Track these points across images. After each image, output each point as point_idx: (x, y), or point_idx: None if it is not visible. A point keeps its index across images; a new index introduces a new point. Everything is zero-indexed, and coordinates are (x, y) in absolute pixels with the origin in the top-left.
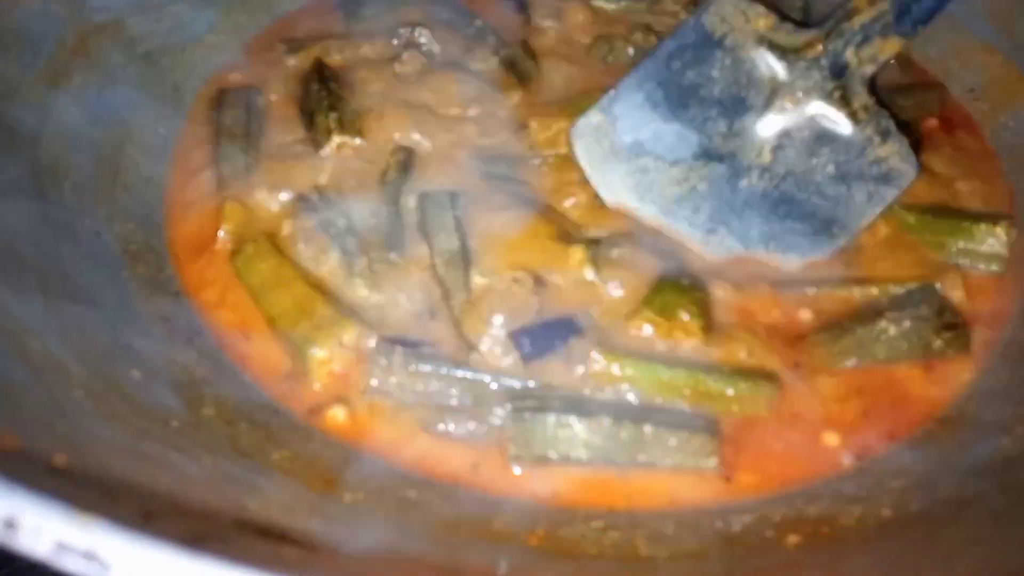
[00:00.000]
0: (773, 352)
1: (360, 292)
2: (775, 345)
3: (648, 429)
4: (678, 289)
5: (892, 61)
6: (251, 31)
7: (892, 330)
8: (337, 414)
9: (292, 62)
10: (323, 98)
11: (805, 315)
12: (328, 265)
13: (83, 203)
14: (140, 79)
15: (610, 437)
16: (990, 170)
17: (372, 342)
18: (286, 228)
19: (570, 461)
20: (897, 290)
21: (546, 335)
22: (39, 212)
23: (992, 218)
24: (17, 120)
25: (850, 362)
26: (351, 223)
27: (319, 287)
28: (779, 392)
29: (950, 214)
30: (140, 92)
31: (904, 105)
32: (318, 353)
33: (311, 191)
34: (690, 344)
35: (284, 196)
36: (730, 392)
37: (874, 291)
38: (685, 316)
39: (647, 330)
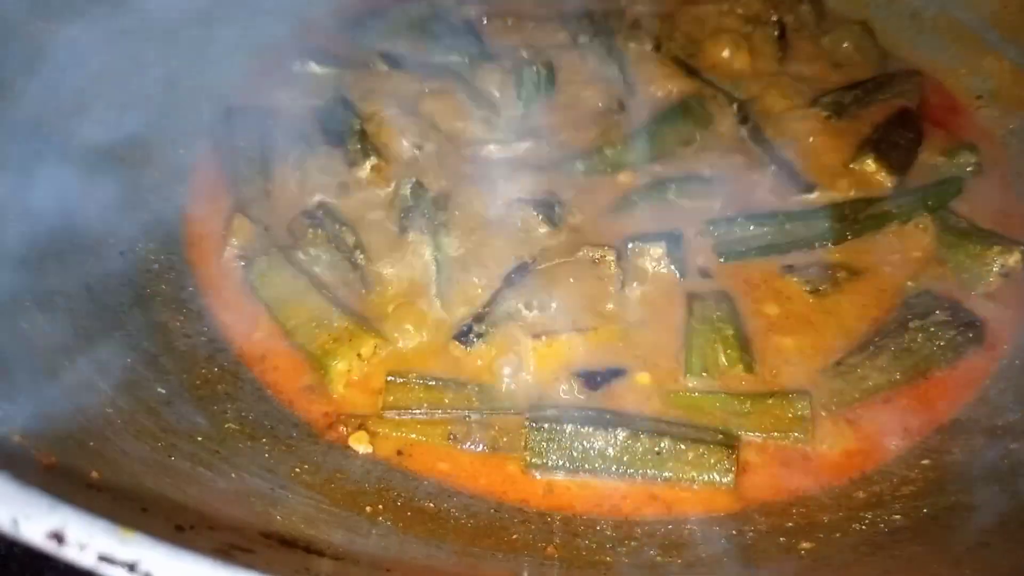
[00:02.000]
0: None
1: (376, 305)
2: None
3: (665, 443)
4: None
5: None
6: (267, 52)
7: (920, 337)
8: (356, 428)
9: (313, 89)
10: (354, 124)
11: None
12: (340, 278)
13: (107, 224)
14: (158, 101)
15: (626, 449)
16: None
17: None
18: (299, 242)
19: (586, 472)
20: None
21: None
22: (66, 234)
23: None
24: (43, 145)
25: (888, 377)
26: (360, 239)
27: (333, 299)
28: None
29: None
30: (159, 114)
31: (884, 98)
32: (338, 365)
33: (319, 207)
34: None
35: (297, 210)
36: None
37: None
38: (724, 360)
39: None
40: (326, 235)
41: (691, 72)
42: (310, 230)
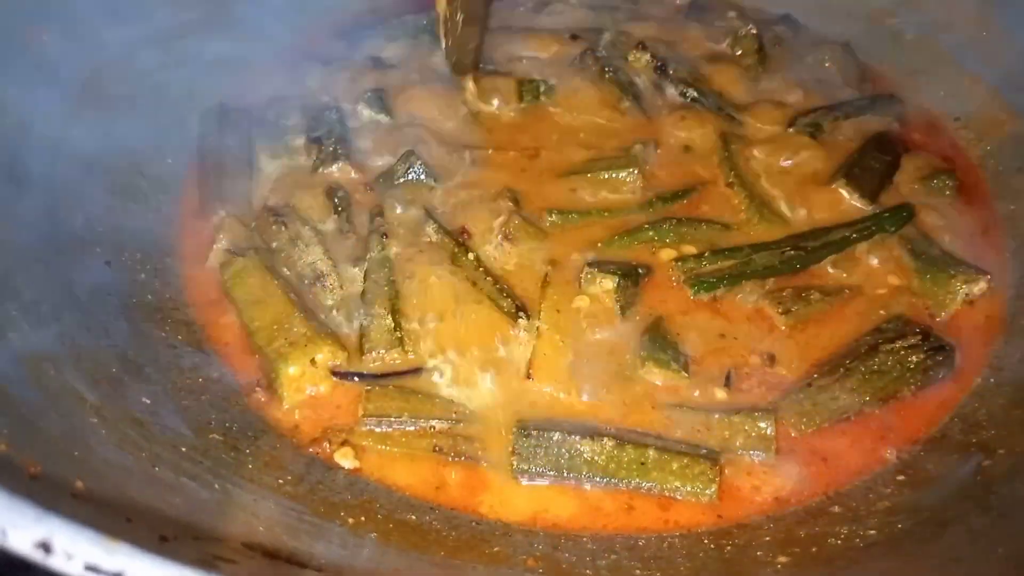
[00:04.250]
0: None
1: (334, 314)
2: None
3: (651, 453)
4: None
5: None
6: (257, 62)
7: (890, 361)
8: (340, 444)
9: (305, 93)
10: (332, 126)
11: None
12: (303, 280)
13: (95, 234)
14: (150, 111)
15: (612, 458)
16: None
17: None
18: (273, 240)
19: (572, 478)
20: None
21: None
22: (54, 243)
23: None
24: (32, 154)
25: (858, 399)
26: (326, 242)
27: (300, 304)
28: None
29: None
30: (149, 124)
31: (863, 120)
32: (290, 370)
33: (286, 205)
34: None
35: (267, 208)
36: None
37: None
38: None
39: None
40: (289, 234)
41: (700, 94)
42: (273, 227)
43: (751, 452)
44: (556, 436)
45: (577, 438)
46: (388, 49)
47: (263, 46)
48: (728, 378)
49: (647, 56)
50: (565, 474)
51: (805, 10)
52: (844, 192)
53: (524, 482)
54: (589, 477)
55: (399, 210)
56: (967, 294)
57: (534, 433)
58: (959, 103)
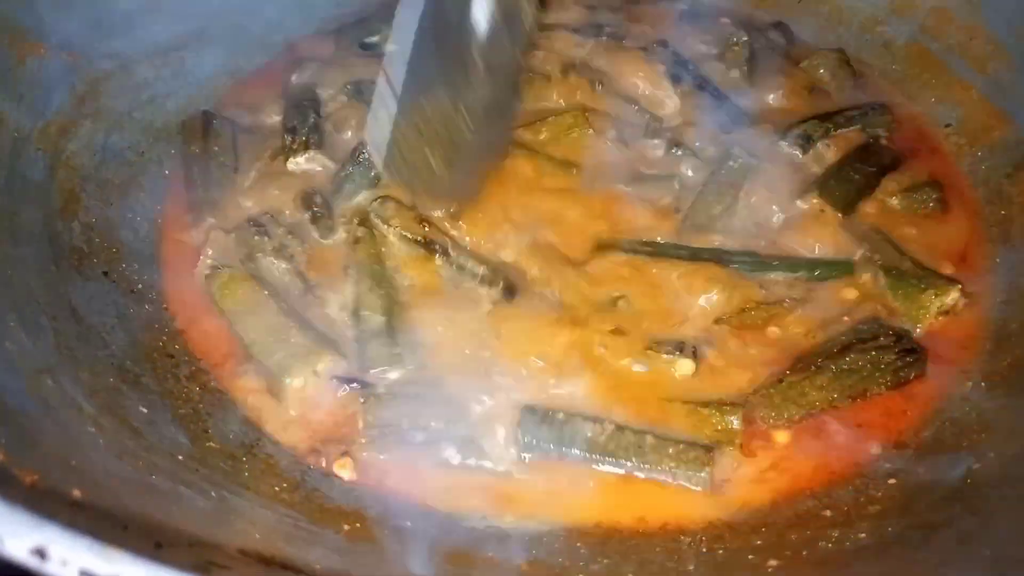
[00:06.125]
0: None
1: (328, 323)
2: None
3: (649, 439)
4: None
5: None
6: (252, 72)
7: (861, 361)
8: (340, 455)
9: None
10: (307, 115)
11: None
12: (291, 289)
13: (91, 245)
14: (145, 123)
15: (613, 439)
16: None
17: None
18: (257, 251)
19: (574, 457)
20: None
21: None
22: (50, 255)
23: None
24: (30, 167)
25: (827, 396)
26: (310, 249)
27: (291, 312)
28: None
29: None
30: (145, 135)
31: (854, 130)
32: (294, 382)
33: (266, 213)
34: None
35: (248, 219)
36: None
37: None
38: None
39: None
40: (272, 244)
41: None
42: (255, 238)
43: (719, 445)
44: (560, 415)
45: (580, 419)
46: (375, 38)
47: (258, 57)
48: (695, 353)
49: (668, 52)
50: (568, 450)
51: (798, 18)
52: (815, 205)
53: (527, 458)
54: (591, 457)
55: (374, 214)
56: (940, 306)
57: (539, 411)
58: (949, 109)
